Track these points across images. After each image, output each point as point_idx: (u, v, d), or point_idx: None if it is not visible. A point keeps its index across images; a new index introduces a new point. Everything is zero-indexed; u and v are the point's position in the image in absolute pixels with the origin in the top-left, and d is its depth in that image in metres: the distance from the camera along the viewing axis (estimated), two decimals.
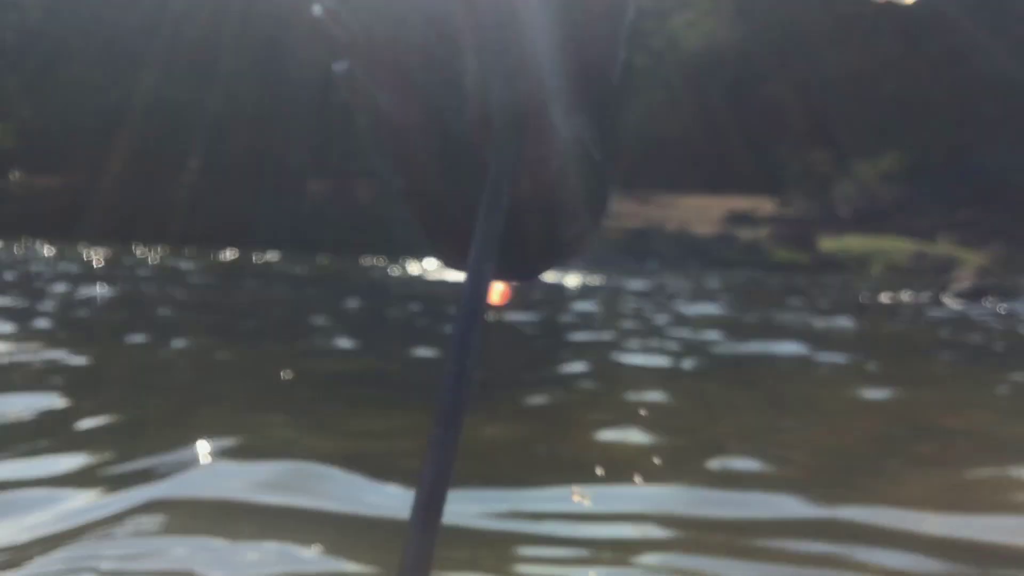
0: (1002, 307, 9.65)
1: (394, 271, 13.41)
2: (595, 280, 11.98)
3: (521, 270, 0.51)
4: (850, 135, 31.13)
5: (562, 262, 0.51)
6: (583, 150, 0.47)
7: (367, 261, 16.43)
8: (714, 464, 2.33)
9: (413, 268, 13.82)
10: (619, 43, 0.49)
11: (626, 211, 25.98)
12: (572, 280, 11.75)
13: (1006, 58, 33.15)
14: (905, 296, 11.18)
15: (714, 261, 19.46)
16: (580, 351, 4.91)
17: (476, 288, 0.45)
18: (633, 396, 3.35)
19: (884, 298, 11.05)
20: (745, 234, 21.63)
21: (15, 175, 28.02)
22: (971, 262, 20.17)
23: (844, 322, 7.79)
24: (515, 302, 7.83)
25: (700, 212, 25.74)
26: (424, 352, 4.60)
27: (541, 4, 0.47)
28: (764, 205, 26.68)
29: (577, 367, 4.24)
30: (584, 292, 10.27)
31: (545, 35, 0.47)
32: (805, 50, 34.92)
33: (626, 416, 2.88)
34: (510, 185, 0.46)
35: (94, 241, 17.91)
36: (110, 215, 21.94)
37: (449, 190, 0.49)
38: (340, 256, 18.26)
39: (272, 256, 17.11)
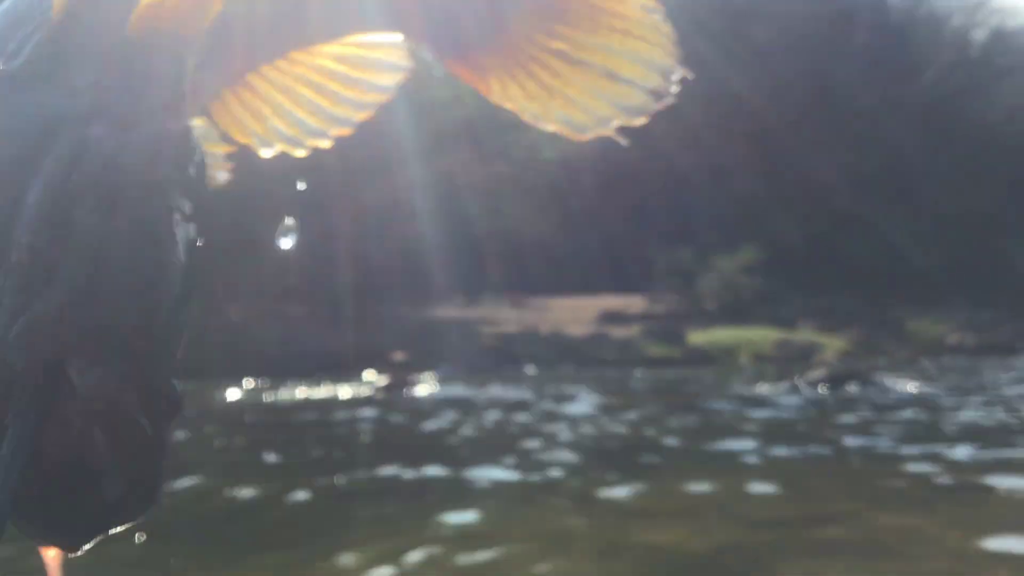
0: (855, 391, 10.11)
1: (263, 397, 13.13)
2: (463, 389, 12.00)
3: (58, 536, 0.46)
4: (710, 230, 32.42)
5: (107, 527, 0.46)
6: (118, 410, 0.44)
7: (234, 384, 16.09)
8: None
9: (284, 392, 13.61)
10: (161, 290, 0.46)
11: (501, 316, 26.25)
12: (441, 390, 11.74)
13: (846, 153, 35.26)
14: (763, 388, 11.59)
15: (588, 361, 19.74)
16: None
17: None
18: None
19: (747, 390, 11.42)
20: (618, 332, 22.08)
21: None
22: (832, 346, 21.04)
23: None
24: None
25: (573, 313, 26.20)
26: None
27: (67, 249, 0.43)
28: (635, 303, 27.37)
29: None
30: (450, 404, 10.32)
31: (68, 281, 0.43)
32: (662, 150, 36.40)
33: None
34: (29, 448, 0.43)
35: None
36: None
37: None
38: (206, 380, 17.84)
39: None
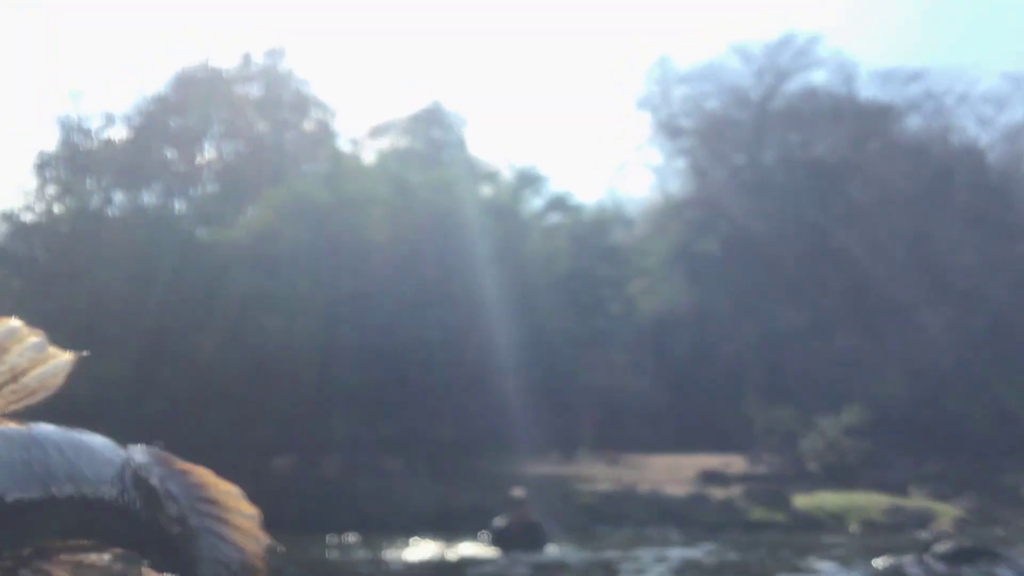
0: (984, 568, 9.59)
1: (362, 553, 12.97)
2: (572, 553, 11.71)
3: None
4: (810, 389, 31.73)
5: None
6: None
7: (333, 540, 15.99)
8: None
9: (387, 550, 13.46)
10: None
11: (597, 474, 25.82)
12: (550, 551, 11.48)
13: (949, 310, 34.50)
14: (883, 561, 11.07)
15: (689, 522, 19.20)
16: None
17: None
18: None
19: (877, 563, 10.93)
20: (718, 493, 21.49)
21: None
22: (946, 514, 20.08)
23: None
24: None
25: (671, 471, 25.64)
26: None
27: None
28: (735, 462, 26.69)
29: None
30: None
31: None
32: (759, 306, 36.15)
33: None
34: None
35: None
36: None
37: None
38: (304, 535, 17.74)
39: None
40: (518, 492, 12.99)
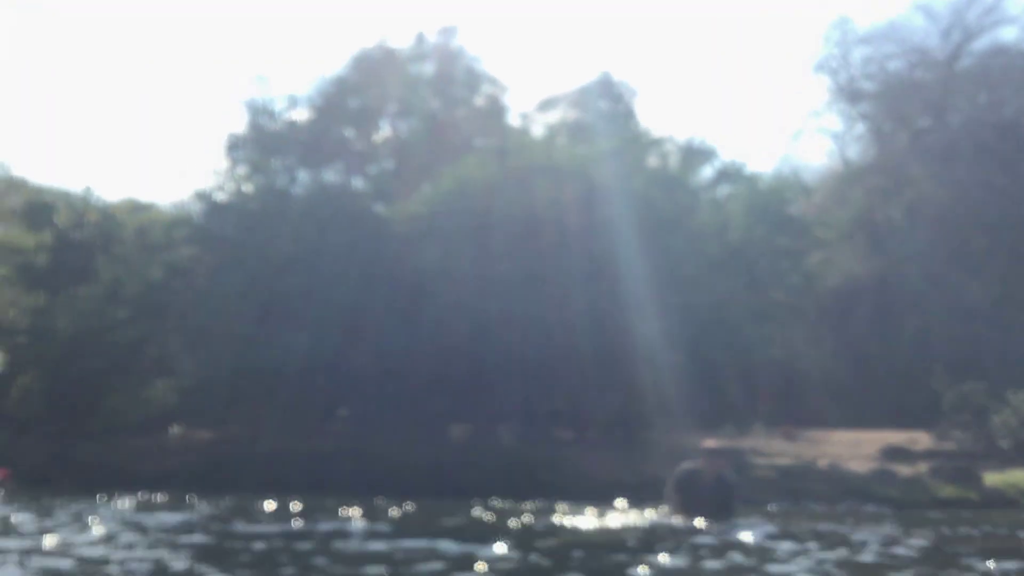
0: None
1: (559, 519, 13.07)
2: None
3: None
4: (1001, 364, 30.06)
5: None
6: None
7: (526, 507, 16.24)
8: None
9: (566, 516, 13.56)
10: None
11: (774, 449, 25.29)
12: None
13: None
14: None
15: (873, 499, 18.59)
16: None
17: None
18: None
19: None
20: (903, 470, 20.70)
21: (175, 430, 29.36)
22: None
23: None
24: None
25: (851, 448, 24.85)
26: None
27: None
28: (919, 439, 25.61)
29: None
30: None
31: None
32: (946, 278, 34.44)
33: None
34: None
35: (258, 495, 18.29)
36: (266, 468, 22.56)
37: None
38: (483, 500, 18.11)
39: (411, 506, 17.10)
40: (712, 442, 12.07)
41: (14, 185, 40.01)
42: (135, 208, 33.58)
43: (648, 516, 12.23)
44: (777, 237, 26.81)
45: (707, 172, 29.08)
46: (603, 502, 16.10)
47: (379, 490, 19.46)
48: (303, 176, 30.77)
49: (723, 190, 28.35)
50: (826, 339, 32.02)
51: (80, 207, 29.93)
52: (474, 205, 26.12)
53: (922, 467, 21.12)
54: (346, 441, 25.72)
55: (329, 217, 27.53)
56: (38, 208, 29.84)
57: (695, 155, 28.35)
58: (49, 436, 26.17)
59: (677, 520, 11.20)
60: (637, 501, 15.66)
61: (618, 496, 17.35)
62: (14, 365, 27.61)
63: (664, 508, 11.88)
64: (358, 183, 31.67)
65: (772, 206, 26.80)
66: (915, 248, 34.99)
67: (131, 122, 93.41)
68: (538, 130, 32.40)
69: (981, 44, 39.63)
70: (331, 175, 31.22)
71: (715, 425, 26.77)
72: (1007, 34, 39.56)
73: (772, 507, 16.80)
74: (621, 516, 12.67)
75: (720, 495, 11.36)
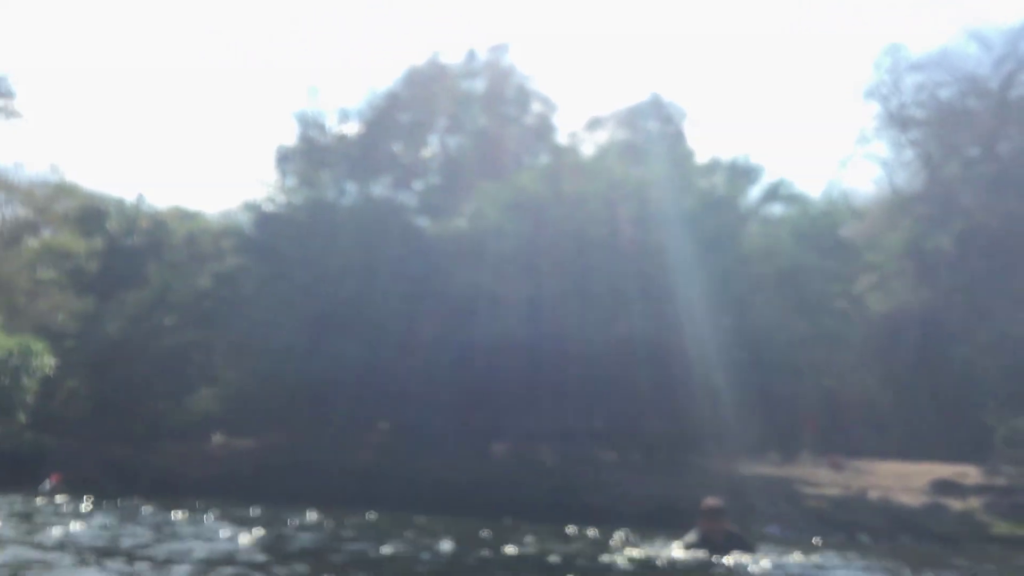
0: None
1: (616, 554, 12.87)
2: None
3: None
4: None
5: None
6: None
7: (569, 531, 16.10)
8: None
9: (612, 539, 13.39)
10: None
11: (820, 478, 24.97)
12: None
13: None
14: None
15: (924, 533, 18.27)
16: None
17: None
18: None
19: None
20: (955, 504, 20.34)
21: (217, 437, 29.52)
22: None
23: None
24: None
25: (900, 479, 24.45)
26: None
27: None
28: (969, 472, 25.18)
29: None
30: None
31: None
32: (993, 309, 33.92)
33: None
34: None
35: (303, 504, 18.31)
36: (307, 477, 22.61)
37: None
38: (527, 522, 18.01)
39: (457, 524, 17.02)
40: (712, 501, 11.47)
41: (66, 190, 40.55)
42: (183, 216, 33.93)
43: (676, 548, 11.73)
44: (826, 261, 26.50)
45: (754, 192, 28.83)
46: (647, 527, 15.91)
47: (420, 507, 19.42)
48: (351, 189, 30.92)
49: (772, 210, 28.08)
50: (872, 367, 31.62)
51: (131, 214, 30.27)
52: (524, 223, 26.08)
53: (974, 502, 20.73)
54: (387, 454, 25.74)
55: (377, 231, 27.63)
56: (91, 214, 30.23)
57: (742, 174, 28.12)
58: (94, 440, 26.39)
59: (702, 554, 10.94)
60: (678, 529, 15.45)
61: (661, 520, 17.14)
62: (62, 368, 27.92)
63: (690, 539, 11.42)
64: (405, 198, 31.77)
65: (823, 229, 26.50)
66: (964, 278, 34.53)
67: (180, 130, 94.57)
68: (587, 149, 32.35)
69: None
70: (379, 189, 31.35)
71: (761, 451, 26.48)
72: None
73: (817, 540, 16.49)
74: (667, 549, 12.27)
75: (732, 547, 11.05)
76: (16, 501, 17.36)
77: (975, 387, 30.77)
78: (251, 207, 29.26)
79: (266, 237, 28.40)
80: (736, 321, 25.21)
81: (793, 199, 27.59)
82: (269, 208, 29.20)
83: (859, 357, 30.54)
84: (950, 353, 32.28)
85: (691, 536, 11.25)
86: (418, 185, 31.95)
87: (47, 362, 26.56)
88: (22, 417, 25.85)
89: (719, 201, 27.44)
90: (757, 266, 26.66)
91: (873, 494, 21.34)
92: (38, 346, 26.48)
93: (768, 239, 27.49)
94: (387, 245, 26.97)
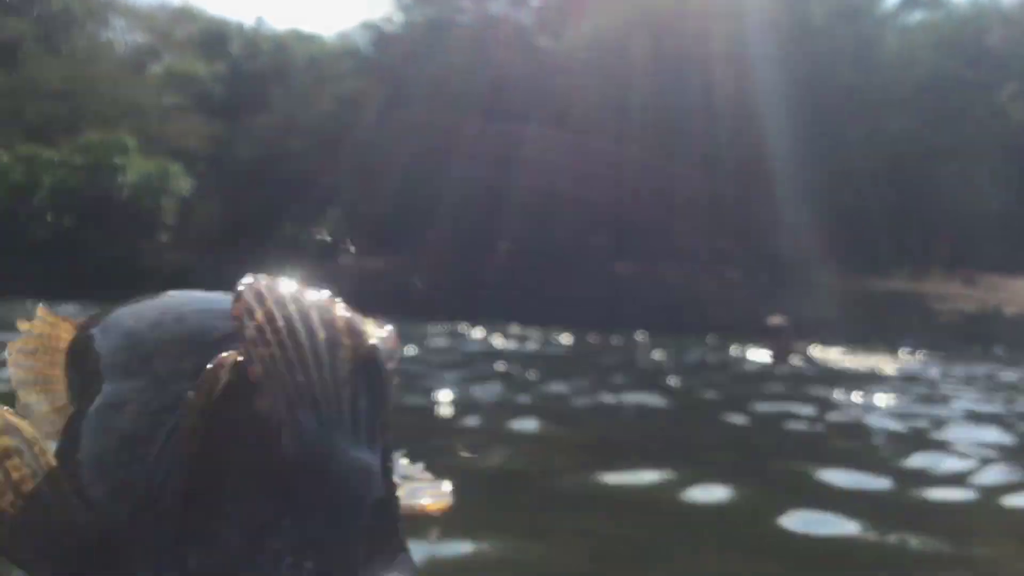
0: None
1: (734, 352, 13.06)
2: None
3: None
4: None
5: None
6: None
7: (693, 340, 16.28)
8: None
9: (735, 348, 13.49)
10: None
11: (952, 293, 24.48)
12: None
13: None
14: None
15: None
16: None
17: None
18: None
19: None
20: None
21: (345, 259, 30.42)
22: None
23: None
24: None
25: None
26: None
27: None
28: None
29: None
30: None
31: None
32: None
33: None
34: None
35: (432, 318, 18.91)
36: (436, 295, 23.25)
37: None
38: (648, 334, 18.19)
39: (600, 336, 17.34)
40: (777, 320, 11.22)
41: (186, 14, 40.84)
42: (301, 39, 33.95)
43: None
44: (968, 71, 25.16)
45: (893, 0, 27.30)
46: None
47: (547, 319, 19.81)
48: (467, 5, 30.36)
49: (914, 17, 26.60)
50: (1013, 180, 30.28)
51: (252, 37, 30.45)
52: (645, 39, 25.34)
53: None
54: (509, 273, 26.17)
55: (496, 51, 27.24)
56: (213, 38, 30.52)
57: None
58: (229, 261, 27.50)
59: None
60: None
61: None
62: (198, 191, 28.88)
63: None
64: (522, 15, 31.08)
65: (967, 36, 25.05)
66: None
67: None
68: None
69: None
70: (496, 6, 30.69)
71: (890, 268, 26.01)
72: None
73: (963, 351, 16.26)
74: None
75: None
76: None
77: None
78: (369, 26, 29.10)
79: (385, 58, 28.31)
80: (868, 134, 24.34)
81: (935, 5, 26.07)
82: (387, 27, 28.97)
83: (1000, 170, 29.26)
84: None
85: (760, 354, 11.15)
86: (535, 1, 31.17)
87: (184, 184, 27.52)
88: (164, 236, 27.05)
89: (854, 9, 26.10)
90: (894, 77, 25.49)
91: (1009, 309, 20.87)
92: (175, 168, 27.38)
93: (907, 48, 26.16)
94: (508, 65, 26.60)
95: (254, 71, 29.68)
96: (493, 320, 19.27)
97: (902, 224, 25.93)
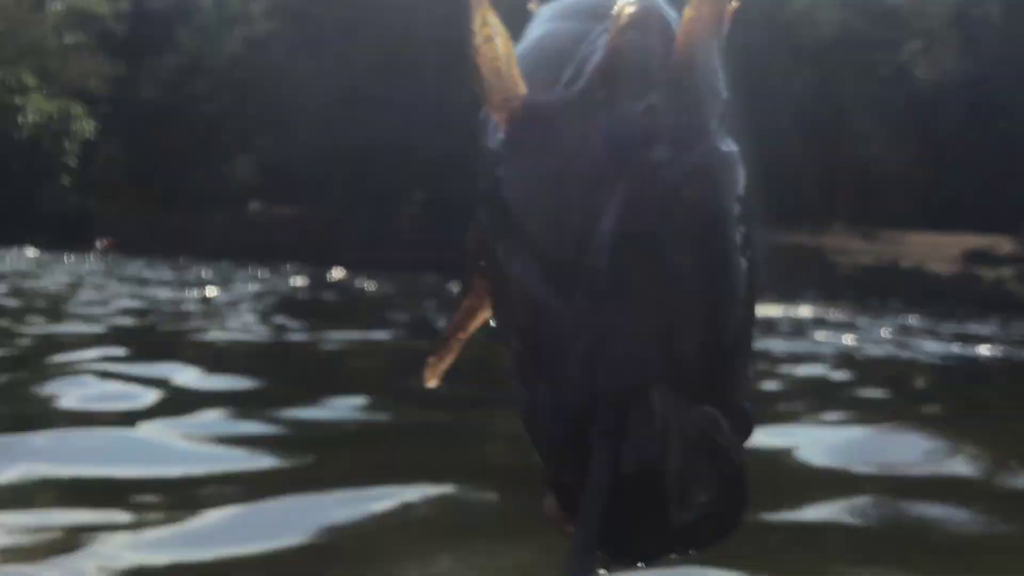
0: None
1: None
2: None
3: (627, 556, 0.46)
4: None
5: (680, 551, 0.45)
6: (701, 434, 0.43)
7: None
8: None
9: None
10: (731, 316, 0.43)
11: (854, 247, 25.27)
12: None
13: None
14: None
15: (957, 301, 18.60)
16: None
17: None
18: None
19: None
20: (987, 274, 20.61)
21: (254, 205, 29.95)
22: None
23: None
24: None
25: (932, 250, 24.71)
26: None
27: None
28: (1002, 243, 25.36)
29: None
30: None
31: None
32: None
33: None
34: (611, 469, 0.44)
35: (348, 267, 18.80)
36: (346, 245, 23.08)
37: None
38: None
39: None
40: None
41: None
42: None
43: None
44: (872, 29, 25.76)
45: None
46: None
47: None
48: None
49: None
50: (912, 138, 31.20)
51: None
52: None
53: (1006, 271, 21.03)
54: (422, 225, 26.11)
55: None
56: None
57: None
58: (134, 207, 26.86)
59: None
60: None
61: None
62: (101, 133, 28.03)
63: None
64: None
65: None
66: (1010, 48, 33.44)
67: None
68: None
69: None
70: None
71: (793, 221, 26.65)
72: None
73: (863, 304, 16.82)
74: None
75: None
76: (71, 260, 17.90)
77: (1016, 158, 30.46)
78: None
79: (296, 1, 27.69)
80: (773, 91, 24.78)
81: None
82: None
83: (900, 128, 30.13)
84: (992, 123, 31.76)
85: None
86: None
87: (86, 126, 26.68)
88: (65, 180, 26.25)
89: None
90: (800, 36, 25.95)
91: (905, 263, 21.65)
92: (77, 110, 26.52)
93: (813, 6, 26.63)
94: (424, 4, 26.23)
95: (158, 10, 28.77)
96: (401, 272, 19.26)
97: (806, 179, 26.54)
